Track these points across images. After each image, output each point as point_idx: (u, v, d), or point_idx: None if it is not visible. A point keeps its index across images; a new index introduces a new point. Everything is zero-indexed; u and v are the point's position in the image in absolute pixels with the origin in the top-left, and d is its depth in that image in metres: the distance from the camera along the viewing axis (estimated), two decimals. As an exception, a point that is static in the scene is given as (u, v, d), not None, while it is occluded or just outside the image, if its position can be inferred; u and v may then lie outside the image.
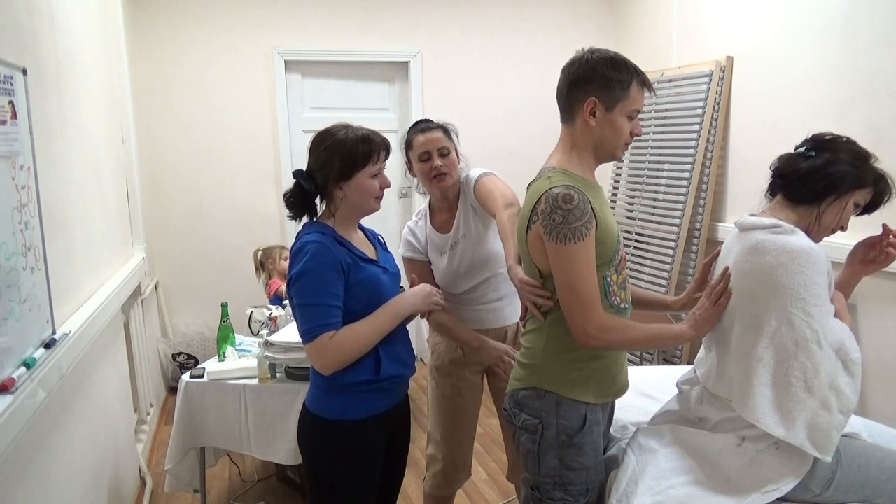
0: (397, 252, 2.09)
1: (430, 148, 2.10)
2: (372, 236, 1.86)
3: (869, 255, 1.70)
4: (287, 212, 1.73)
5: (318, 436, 1.71)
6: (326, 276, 1.60)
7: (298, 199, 1.69)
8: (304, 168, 1.72)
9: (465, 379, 2.23)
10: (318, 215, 1.75)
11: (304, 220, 1.75)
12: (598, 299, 1.47)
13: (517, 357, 1.67)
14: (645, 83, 1.53)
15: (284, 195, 1.72)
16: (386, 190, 1.74)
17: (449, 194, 2.19)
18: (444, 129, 2.15)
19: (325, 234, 1.65)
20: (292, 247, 1.68)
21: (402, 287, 1.83)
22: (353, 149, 1.65)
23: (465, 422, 2.26)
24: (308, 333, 1.59)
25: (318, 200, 1.74)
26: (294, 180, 1.70)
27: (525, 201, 1.58)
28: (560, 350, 1.55)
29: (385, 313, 1.67)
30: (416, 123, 2.19)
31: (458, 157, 2.17)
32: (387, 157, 1.72)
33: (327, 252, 1.61)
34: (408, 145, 2.16)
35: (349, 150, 1.65)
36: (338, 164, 1.65)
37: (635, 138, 1.59)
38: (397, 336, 1.74)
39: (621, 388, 1.65)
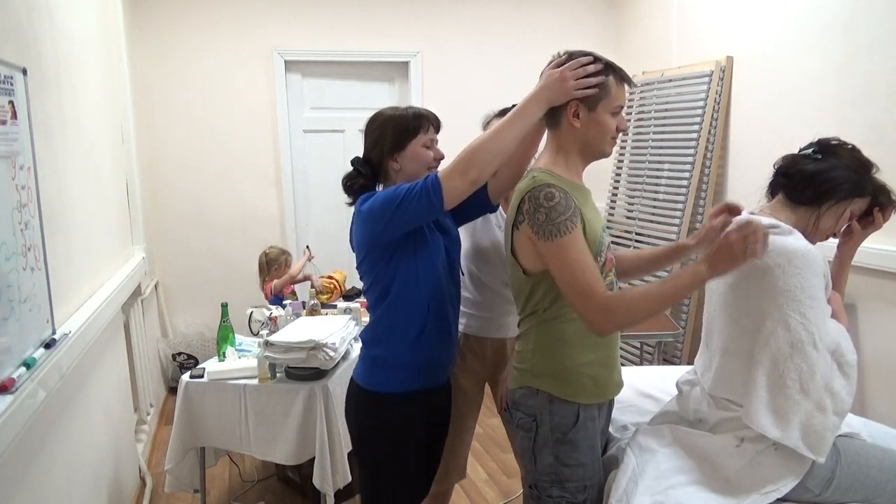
0: None
1: None
2: None
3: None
4: (347, 199, 1.77)
5: (361, 406, 1.79)
6: (396, 186, 1.63)
7: (356, 183, 1.75)
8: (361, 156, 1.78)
9: (462, 385, 2.17)
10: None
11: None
12: (599, 285, 1.44)
13: (513, 361, 1.67)
14: (623, 78, 1.53)
15: (343, 180, 1.78)
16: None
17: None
18: None
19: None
20: (354, 215, 1.73)
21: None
22: (404, 120, 1.72)
23: (458, 427, 2.18)
24: (432, 192, 1.55)
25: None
26: (352, 167, 1.77)
27: (511, 202, 1.58)
28: (547, 352, 1.56)
29: (512, 112, 1.57)
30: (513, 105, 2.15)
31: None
32: (437, 130, 1.77)
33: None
34: (487, 123, 2.16)
35: (400, 121, 1.72)
36: (391, 136, 1.71)
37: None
38: (450, 313, 1.79)
39: (614, 386, 1.65)
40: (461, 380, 2.19)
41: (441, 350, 1.80)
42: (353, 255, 1.79)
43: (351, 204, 1.77)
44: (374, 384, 1.76)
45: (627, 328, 1.52)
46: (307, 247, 4.04)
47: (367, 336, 1.80)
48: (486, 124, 2.15)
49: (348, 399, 1.84)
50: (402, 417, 1.76)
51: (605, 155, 1.60)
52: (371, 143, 1.76)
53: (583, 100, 1.50)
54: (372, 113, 1.82)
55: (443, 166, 1.65)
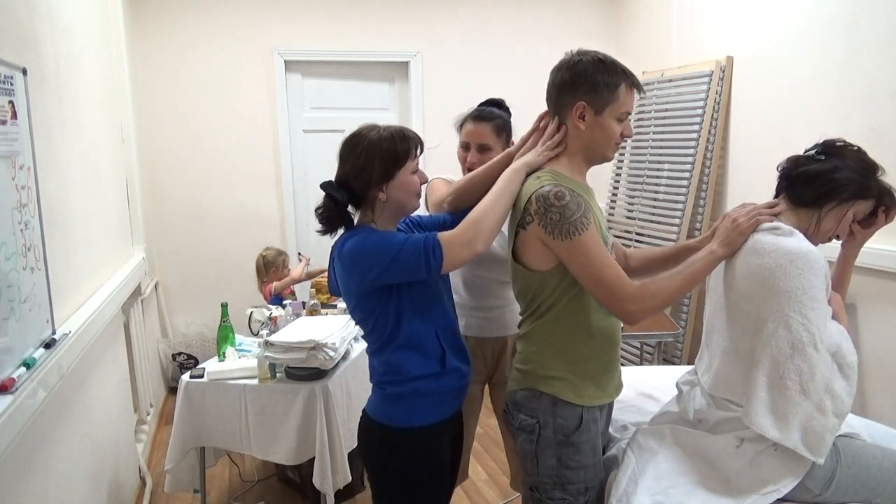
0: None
1: (472, 140, 2.08)
2: (404, 225, 1.78)
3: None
4: (318, 227, 1.63)
5: (389, 446, 1.65)
6: (380, 235, 1.55)
7: (333, 213, 1.61)
8: (333, 179, 1.64)
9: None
10: (356, 223, 1.66)
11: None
12: (622, 275, 1.46)
13: (514, 362, 1.67)
14: (634, 84, 1.53)
15: (316, 210, 1.62)
16: None
17: None
18: (500, 126, 2.08)
19: (363, 233, 1.59)
20: (334, 256, 1.62)
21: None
22: (393, 147, 1.58)
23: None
24: (431, 255, 1.49)
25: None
26: (324, 193, 1.61)
27: (515, 202, 1.58)
28: (551, 354, 1.56)
29: (501, 180, 1.57)
30: (483, 104, 2.13)
31: None
32: (421, 152, 1.66)
33: (367, 232, 1.57)
34: (460, 125, 2.14)
35: (389, 148, 1.58)
36: (379, 166, 1.57)
37: (634, 139, 1.60)
38: (457, 329, 1.73)
39: (615, 388, 1.65)
40: None
41: (467, 371, 1.72)
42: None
43: (323, 233, 1.64)
44: (401, 419, 1.63)
45: (653, 314, 1.53)
46: (300, 253, 4.05)
47: (380, 379, 1.66)
48: (460, 126, 2.15)
49: (366, 439, 1.70)
50: (436, 448, 1.66)
51: (607, 160, 1.60)
52: (355, 171, 1.59)
53: (589, 102, 1.50)
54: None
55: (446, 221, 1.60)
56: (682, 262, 1.59)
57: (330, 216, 1.61)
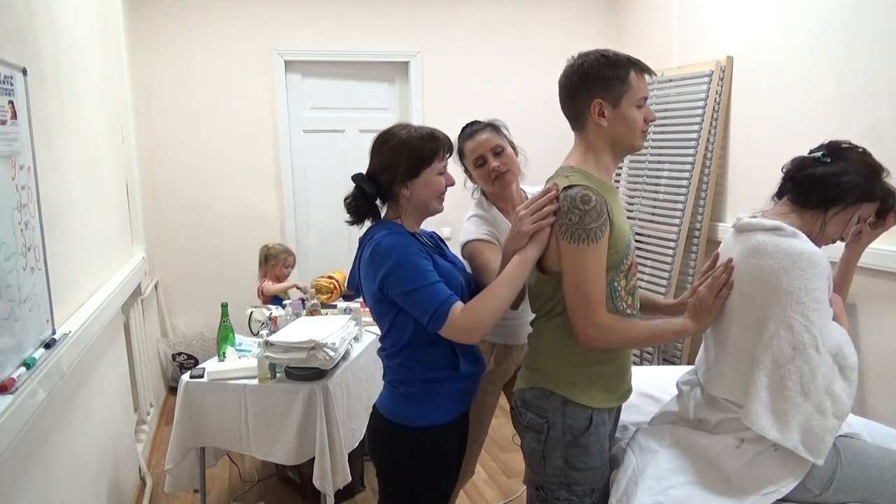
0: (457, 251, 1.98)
1: (483, 151, 2.02)
2: (429, 237, 1.81)
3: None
4: (347, 217, 1.69)
5: (400, 443, 1.68)
6: (417, 259, 1.57)
7: (361, 203, 1.67)
8: (364, 172, 1.69)
9: (488, 393, 2.18)
10: (383, 217, 1.71)
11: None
12: (604, 302, 1.47)
13: (525, 361, 1.66)
14: (643, 70, 1.53)
15: (345, 200, 1.68)
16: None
17: (514, 192, 2.10)
18: (493, 127, 2.05)
19: (395, 230, 1.63)
20: (362, 249, 1.66)
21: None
22: (420, 146, 1.62)
23: (477, 432, 2.20)
24: (436, 318, 1.53)
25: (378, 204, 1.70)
26: (354, 185, 1.67)
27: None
28: (564, 354, 1.55)
29: (510, 265, 1.56)
30: (463, 129, 2.10)
31: (515, 150, 2.07)
32: (450, 155, 1.70)
33: (405, 240, 1.60)
34: (460, 155, 2.07)
35: (416, 147, 1.62)
36: (405, 163, 1.62)
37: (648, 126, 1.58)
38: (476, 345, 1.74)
39: (625, 392, 1.64)
40: (486, 384, 2.17)
41: (479, 372, 1.76)
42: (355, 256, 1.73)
43: (352, 223, 1.70)
44: (413, 418, 1.66)
45: (609, 355, 1.55)
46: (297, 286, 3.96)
47: (393, 377, 1.70)
48: (461, 153, 2.08)
49: (376, 436, 1.73)
50: (445, 446, 1.70)
51: (637, 149, 1.58)
52: (382, 166, 1.65)
53: (604, 97, 1.49)
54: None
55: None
56: (650, 317, 1.64)
57: (358, 207, 1.67)
